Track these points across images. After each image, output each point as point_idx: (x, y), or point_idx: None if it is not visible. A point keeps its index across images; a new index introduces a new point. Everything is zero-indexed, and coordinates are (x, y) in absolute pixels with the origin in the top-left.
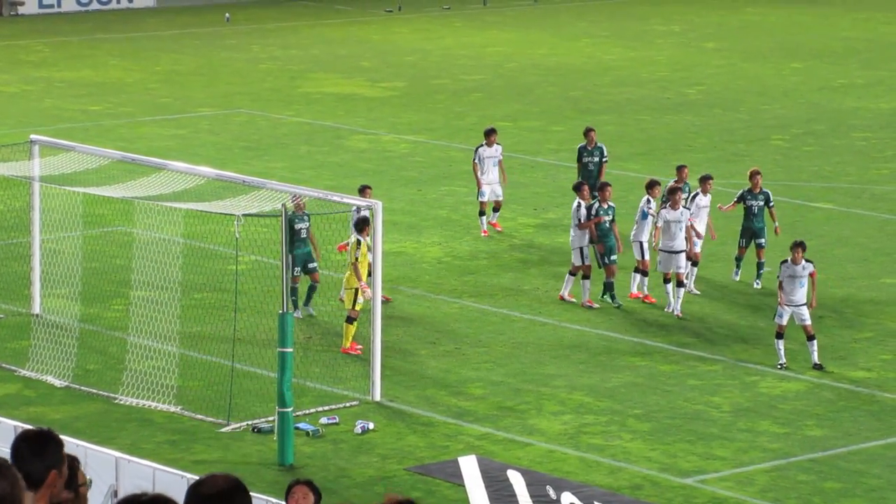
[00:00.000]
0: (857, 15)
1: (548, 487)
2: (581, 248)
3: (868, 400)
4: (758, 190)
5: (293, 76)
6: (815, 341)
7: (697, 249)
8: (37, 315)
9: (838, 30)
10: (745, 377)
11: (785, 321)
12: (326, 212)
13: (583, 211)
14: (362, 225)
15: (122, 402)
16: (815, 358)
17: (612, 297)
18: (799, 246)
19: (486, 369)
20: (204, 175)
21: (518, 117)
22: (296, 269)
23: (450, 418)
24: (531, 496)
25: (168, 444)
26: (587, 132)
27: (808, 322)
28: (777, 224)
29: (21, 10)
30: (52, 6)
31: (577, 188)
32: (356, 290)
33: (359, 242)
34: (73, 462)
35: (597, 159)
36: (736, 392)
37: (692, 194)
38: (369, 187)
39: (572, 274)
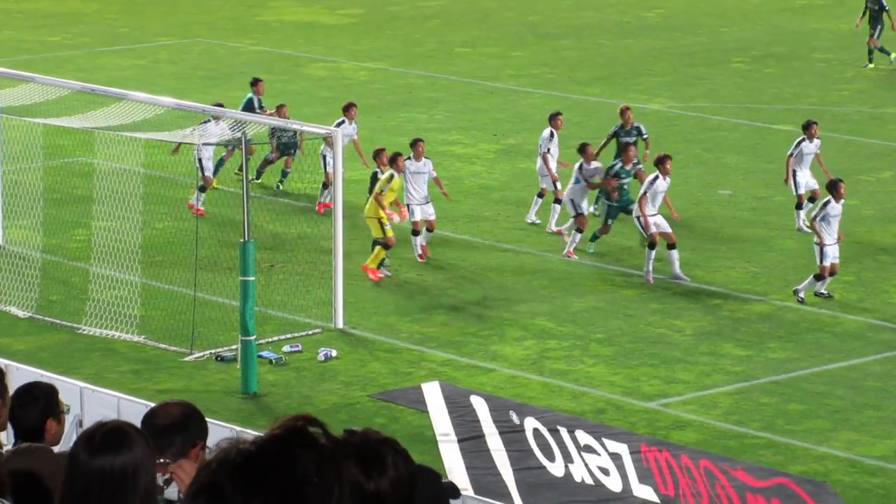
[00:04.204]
0: None
1: (511, 412)
2: (572, 200)
3: (831, 322)
4: (629, 126)
5: (251, 4)
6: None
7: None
8: None
9: None
10: (708, 300)
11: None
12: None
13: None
14: (397, 160)
15: (85, 333)
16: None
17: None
18: (842, 182)
19: (448, 296)
20: (163, 105)
21: (477, 43)
22: None
23: (412, 345)
24: (494, 421)
25: (132, 373)
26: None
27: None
28: (648, 152)
29: None
30: None
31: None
32: (380, 219)
33: (391, 177)
34: (52, 391)
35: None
36: (698, 315)
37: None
38: (354, 105)
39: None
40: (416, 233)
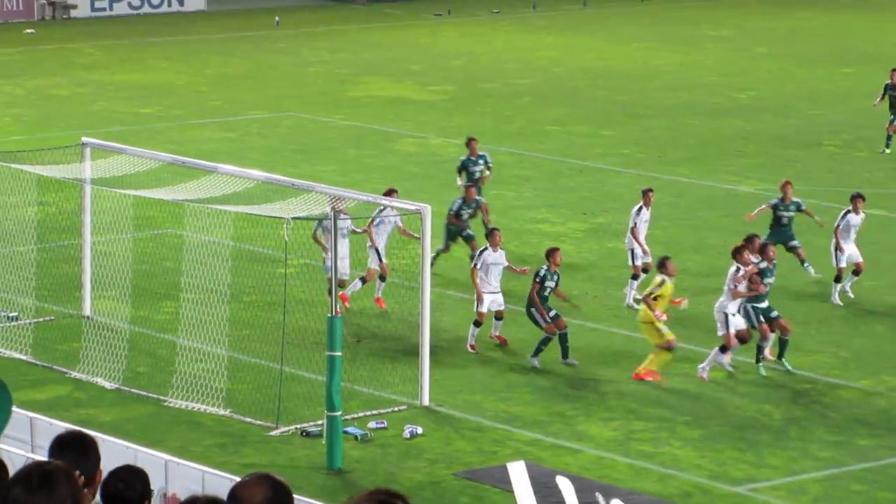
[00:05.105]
0: None
1: (597, 494)
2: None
3: None
4: (789, 201)
5: (342, 80)
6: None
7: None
8: (87, 317)
9: (890, 34)
10: (797, 385)
11: None
12: (374, 215)
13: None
14: (665, 263)
15: (171, 405)
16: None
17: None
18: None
19: (534, 374)
20: (253, 178)
21: (567, 121)
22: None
23: (498, 423)
24: (580, 503)
25: (217, 447)
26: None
27: None
28: (817, 218)
29: (73, 13)
30: (103, 9)
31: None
32: (653, 322)
33: (663, 282)
34: (144, 475)
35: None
36: (787, 400)
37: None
38: (395, 190)
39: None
40: (478, 324)
